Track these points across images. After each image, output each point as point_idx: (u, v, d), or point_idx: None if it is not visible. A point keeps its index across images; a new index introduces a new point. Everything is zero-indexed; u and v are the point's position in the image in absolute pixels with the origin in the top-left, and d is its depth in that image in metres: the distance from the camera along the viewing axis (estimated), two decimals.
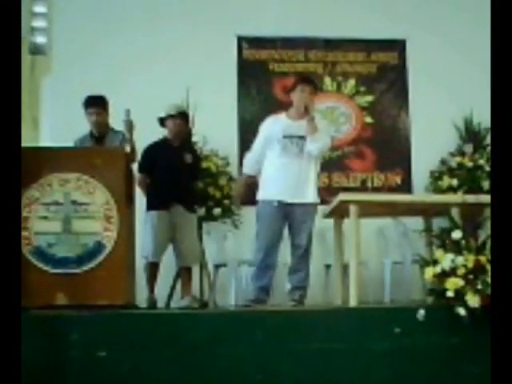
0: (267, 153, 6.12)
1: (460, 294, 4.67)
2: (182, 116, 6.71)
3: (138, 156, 6.49)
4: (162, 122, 6.72)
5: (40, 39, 8.57)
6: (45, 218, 5.11)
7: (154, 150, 6.65)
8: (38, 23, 8.64)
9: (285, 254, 6.45)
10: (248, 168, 6.33)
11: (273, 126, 6.15)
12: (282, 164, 5.99)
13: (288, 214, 6.00)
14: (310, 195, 6.05)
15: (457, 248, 4.90)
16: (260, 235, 6.05)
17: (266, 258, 5.97)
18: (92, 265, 5.09)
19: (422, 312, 4.67)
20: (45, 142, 8.00)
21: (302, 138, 5.99)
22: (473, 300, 4.60)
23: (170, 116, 6.65)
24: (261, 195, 6.11)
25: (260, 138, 6.23)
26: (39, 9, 8.51)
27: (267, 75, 9.00)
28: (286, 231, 6.16)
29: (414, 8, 9.14)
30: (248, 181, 6.38)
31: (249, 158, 6.36)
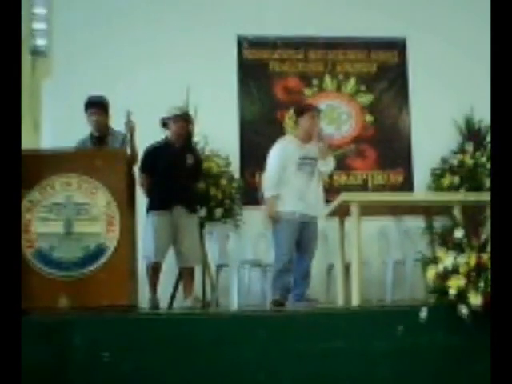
0: (285, 173, 6.54)
1: (462, 293, 4.67)
2: (184, 118, 6.72)
3: (140, 157, 6.49)
4: (164, 123, 6.72)
5: (40, 41, 8.59)
6: (47, 220, 5.11)
7: (156, 151, 6.64)
8: (38, 25, 8.66)
9: None
10: (271, 190, 6.60)
11: (290, 149, 6.61)
12: (299, 182, 6.51)
13: (303, 227, 6.49)
14: (321, 209, 6.64)
15: (459, 247, 4.89)
16: (284, 242, 6.47)
17: (289, 262, 6.42)
18: (94, 267, 5.09)
19: (424, 313, 4.66)
20: (46, 144, 8.01)
21: (314, 159, 6.58)
22: (475, 299, 4.59)
23: (172, 117, 6.65)
24: (284, 207, 6.49)
25: (276, 162, 6.61)
26: (39, 11, 8.52)
27: (267, 75, 9.00)
28: None
29: (413, 7, 9.14)
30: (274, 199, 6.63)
31: (269, 182, 6.66)
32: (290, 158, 6.54)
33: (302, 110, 6.84)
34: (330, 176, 8.75)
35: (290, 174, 6.52)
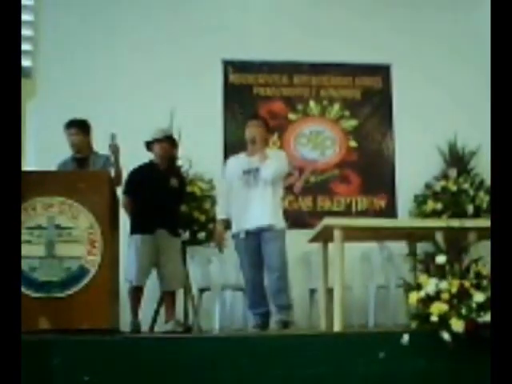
0: (232, 191, 6.38)
1: (444, 318, 4.67)
2: (169, 140, 6.74)
3: (124, 179, 6.49)
4: (148, 145, 6.73)
5: (25, 62, 8.57)
6: (28, 242, 5.08)
7: (140, 173, 6.65)
8: (24, 46, 8.63)
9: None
10: (223, 213, 6.52)
11: (233, 165, 6.49)
12: (244, 197, 6.26)
13: (258, 241, 6.20)
14: (271, 219, 6.20)
15: (441, 272, 4.90)
16: (243, 268, 6.37)
17: (255, 288, 6.27)
18: (75, 289, 5.06)
19: (406, 337, 4.66)
20: (29, 165, 7.96)
21: (258, 169, 6.27)
22: (457, 325, 4.60)
23: (157, 140, 6.66)
24: (232, 230, 6.38)
25: (226, 181, 6.52)
26: (24, 32, 8.51)
27: (252, 99, 9.04)
28: None
29: (398, 34, 9.22)
30: (225, 224, 6.52)
31: (221, 204, 6.61)
32: (234, 174, 6.39)
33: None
34: (314, 200, 8.79)
35: (236, 191, 6.33)
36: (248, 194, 6.24)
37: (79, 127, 6.47)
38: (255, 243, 6.20)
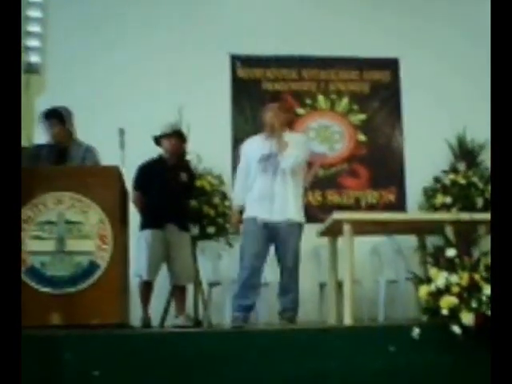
0: (250, 174, 6.14)
1: (454, 312, 4.66)
2: (178, 135, 6.74)
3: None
4: (157, 140, 6.73)
5: (34, 58, 8.60)
6: (38, 237, 5.08)
7: (150, 169, 6.66)
8: (33, 43, 8.66)
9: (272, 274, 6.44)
10: (238, 199, 6.31)
11: (252, 148, 6.22)
12: (263, 184, 6.00)
13: (273, 235, 5.97)
14: (292, 213, 5.98)
15: (451, 266, 4.89)
16: (245, 254, 5.98)
17: (251, 277, 5.92)
18: (86, 284, 5.06)
19: (416, 331, 4.66)
20: None
21: (277, 156, 6.02)
22: (467, 318, 4.59)
23: (166, 135, 6.67)
24: (246, 214, 6.11)
25: (242, 164, 6.27)
26: (33, 28, 8.54)
27: (260, 94, 9.03)
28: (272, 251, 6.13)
29: (406, 27, 9.21)
30: (242, 208, 6.28)
31: (236, 189, 6.33)
32: (252, 158, 6.11)
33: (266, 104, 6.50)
34: (323, 194, 8.78)
35: (254, 176, 6.07)
36: (268, 182, 5.99)
37: (53, 118, 6.04)
38: (269, 234, 5.95)
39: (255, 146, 6.18)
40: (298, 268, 6.03)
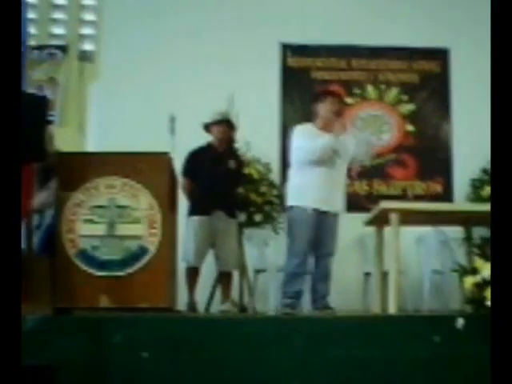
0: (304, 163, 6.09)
1: None
2: (227, 123, 6.80)
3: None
4: (207, 127, 6.80)
5: (88, 46, 8.74)
6: (90, 221, 5.18)
7: (199, 156, 6.73)
8: (87, 31, 8.82)
9: None
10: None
11: (307, 135, 6.14)
12: (316, 173, 6.01)
13: (319, 223, 6.02)
14: (340, 204, 6.21)
15: None
16: (296, 241, 6.04)
17: (301, 263, 5.99)
18: (135, 268, 5.12)
19: (461, 321, 4.67)
20: (92, 146, 8.12)
21: (334, 150, 6.02)
22: None
23: (216, 122, 6.73)
24: (295, 201, 6.12)
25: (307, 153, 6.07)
26: (88, 17, 8.69)
27: (310, 83, 9.05)
28: None
29: (457, 17, 9.14)
30: None
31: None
32: (307, 146, 6.02)
33: (322, 96, 6.35)
34: (369, 184, 8.79)
35: (307, 164, 6.02)
36: (320, 172, 5.99)
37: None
38: (318, 221, 6.00)
39: (308, 136, 6.11)
40: None
